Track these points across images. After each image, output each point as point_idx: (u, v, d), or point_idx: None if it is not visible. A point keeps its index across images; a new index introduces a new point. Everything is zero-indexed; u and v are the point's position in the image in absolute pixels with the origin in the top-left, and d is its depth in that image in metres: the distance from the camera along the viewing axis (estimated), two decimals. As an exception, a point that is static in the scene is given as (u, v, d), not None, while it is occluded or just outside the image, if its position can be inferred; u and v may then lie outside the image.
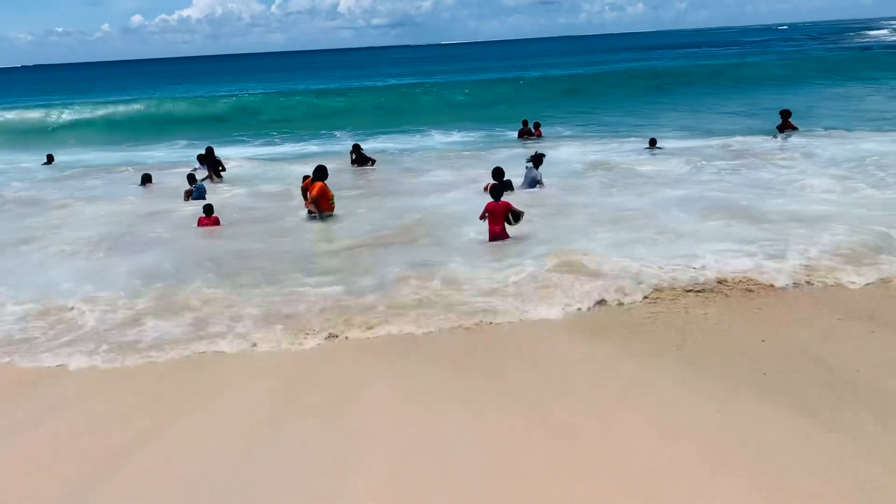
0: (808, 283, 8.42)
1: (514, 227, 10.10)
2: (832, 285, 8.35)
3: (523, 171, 14.23)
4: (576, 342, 7.14)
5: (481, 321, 7.71)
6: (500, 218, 9.93)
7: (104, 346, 7.54)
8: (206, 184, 16.44)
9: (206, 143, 19.61)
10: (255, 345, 7.46)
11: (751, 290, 8.30)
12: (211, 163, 17.61)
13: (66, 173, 21.04)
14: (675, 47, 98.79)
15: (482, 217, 10.14)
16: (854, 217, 10.81)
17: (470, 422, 5.67)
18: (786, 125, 20.80)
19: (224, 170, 18.04)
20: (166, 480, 5.15)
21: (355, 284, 9.03)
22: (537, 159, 14.06)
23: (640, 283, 8.43)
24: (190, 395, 6.45)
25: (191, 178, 15.91)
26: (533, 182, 14.01)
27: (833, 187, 13.40)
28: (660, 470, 4.83)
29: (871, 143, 18.24)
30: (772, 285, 8.38)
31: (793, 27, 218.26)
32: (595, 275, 8.73)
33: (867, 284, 8.31)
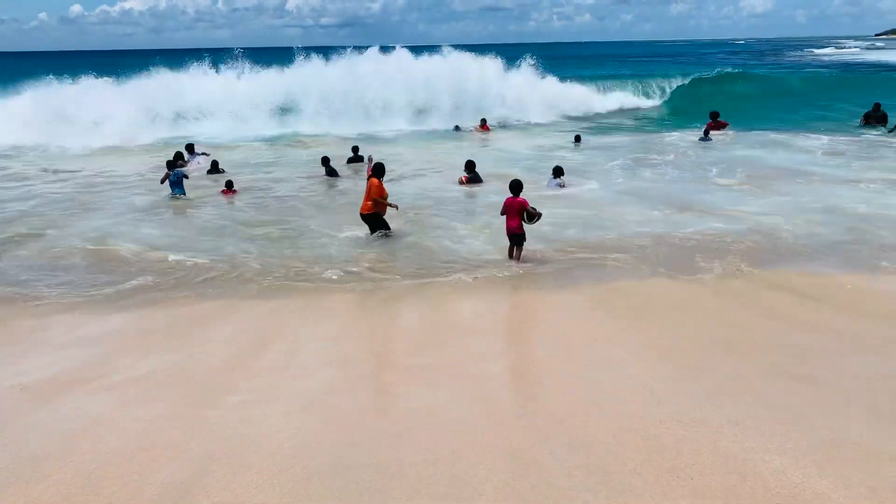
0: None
1: (529, 224, 10.72)
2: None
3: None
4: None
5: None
6: (514, 214, 10.54)
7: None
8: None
9: None
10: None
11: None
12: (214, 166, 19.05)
13: None
14: (651, 57, 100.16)
15: (502, 213, 10.83)
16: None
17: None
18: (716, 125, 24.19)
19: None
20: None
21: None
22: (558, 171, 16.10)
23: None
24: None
25: (170, 164, 16.46)
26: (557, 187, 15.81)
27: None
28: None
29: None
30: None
31: (748, 43, 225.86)
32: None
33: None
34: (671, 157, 20.34)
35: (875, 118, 25.66)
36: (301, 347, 7.76)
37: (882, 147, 21.48)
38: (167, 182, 15.93)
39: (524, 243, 10.77)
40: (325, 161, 18.64)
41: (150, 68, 31.57)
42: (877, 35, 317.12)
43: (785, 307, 8.65)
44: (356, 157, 20.22)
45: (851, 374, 6.75)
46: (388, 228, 12.35)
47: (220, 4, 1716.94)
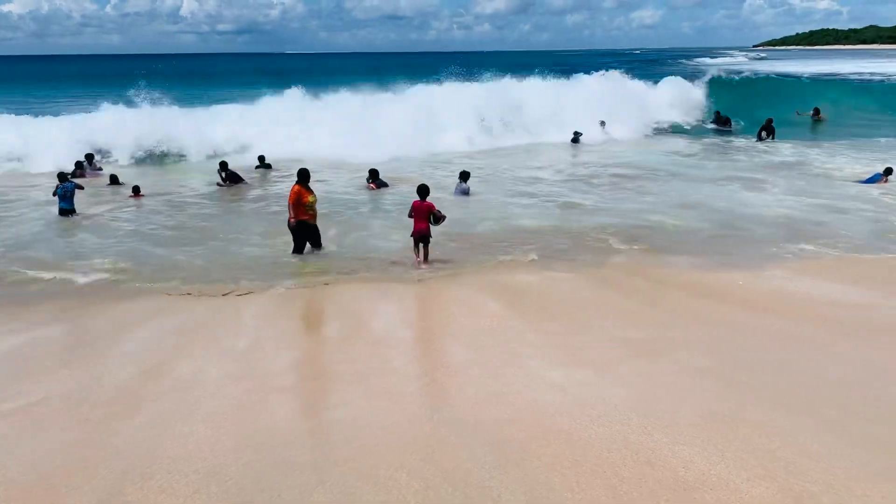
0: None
1: (435, 226, 11.24)
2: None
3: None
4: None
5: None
6: (422, 216, 11.03)
7: None
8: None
9: None
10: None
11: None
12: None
13: None
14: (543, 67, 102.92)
15: (410, 215, 11.22)
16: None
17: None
18: None
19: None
20: None
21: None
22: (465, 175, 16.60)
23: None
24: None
25: (62, 176, 15.53)
26: (462, 192, 16.33)
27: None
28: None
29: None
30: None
31: (644, 52, 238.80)
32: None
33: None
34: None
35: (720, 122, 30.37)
36: (211, 360, 7.53)
37: (730, 150, 24.47)
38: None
39: (430, 243, 11.17)
40: (223, 166, 18.44)
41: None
42: (755, 46, 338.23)
43: (686, 303, 9.12)
44: (263, 165, 20.80)
45: (751, 365, 7.18)
46: (313, 245, 11.69)
47: (108, 9, 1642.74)
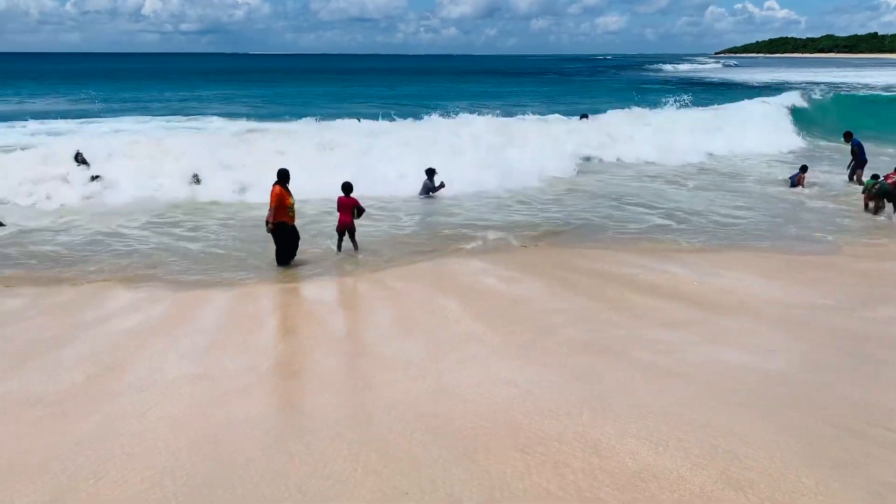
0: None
1: (357, 219, 12.20)
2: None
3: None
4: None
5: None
6: (347, 210, 11.98)
7: None
8: None
9: None
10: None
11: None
12: None
13: None
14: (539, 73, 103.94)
15: (337, 209, 12.15)
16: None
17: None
18: None
19: None
20: None
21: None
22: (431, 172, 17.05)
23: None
24: None
25: None
26: (427, 190, 16.89)
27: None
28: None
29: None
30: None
31: (616, 58, 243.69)
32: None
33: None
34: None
35: None
36: (164, 359, 7.53)
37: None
38: None
39: (354, 236, 12.11)
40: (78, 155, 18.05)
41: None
42: (716, 53, 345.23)
43: (628, 299, 9.38)
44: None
45: (700, 362, 7.43)
46: (291, 256, 11.31)
47: (68, 7, 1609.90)
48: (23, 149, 18.51)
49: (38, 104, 42.78)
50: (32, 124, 27.96)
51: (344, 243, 12.16)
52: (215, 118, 32.28)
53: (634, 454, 5.54)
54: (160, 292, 9.98)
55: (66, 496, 5.05)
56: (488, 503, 4.96)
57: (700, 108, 31.47)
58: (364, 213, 12.37)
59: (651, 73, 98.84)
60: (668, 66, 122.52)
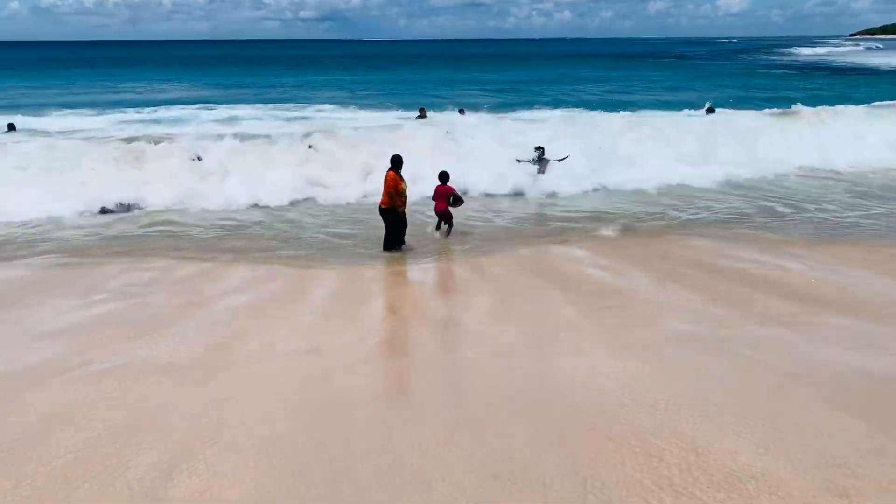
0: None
1: (455, 208, 12.57)
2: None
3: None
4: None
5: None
6: (442, 198, 12.37)
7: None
8: None
9: None
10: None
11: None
12: None
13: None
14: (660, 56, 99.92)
15: (433, 198, 12.52)
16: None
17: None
18: None
19: None
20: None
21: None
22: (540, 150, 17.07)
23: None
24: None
25: None
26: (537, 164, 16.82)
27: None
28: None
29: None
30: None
31: (741, 41, 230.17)
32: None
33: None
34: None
35: None
36: (276, 333, 7.96)
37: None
38: None
39: (451, 221, 12.47)
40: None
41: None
42: (851, 35, 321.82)
43: (735, 292, 9.05)
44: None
45: (810, 363, 7.11)
46: (400, 242, 11.56)
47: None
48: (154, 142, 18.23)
49: (166, 90, 45.38)
50: (160, 110, 29.84)
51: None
52: (327, 106, 33.05)
53: (733, 453, 5.41)
54: (275, 271, 10.54)
55: (184, 458, 5.47)
56: (579, 492, 4.99)
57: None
58: (462, 204, 12.59)
59: (782, 57, 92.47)
60: (802, 49, 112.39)
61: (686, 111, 26.52)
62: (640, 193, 16.09)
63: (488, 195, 15.87)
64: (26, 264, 11.01)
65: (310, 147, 17.64)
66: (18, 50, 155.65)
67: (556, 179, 16.40)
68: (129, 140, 18.29)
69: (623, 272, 10.26)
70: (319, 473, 5.26)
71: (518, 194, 16.09)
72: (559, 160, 16.71)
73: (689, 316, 8.46)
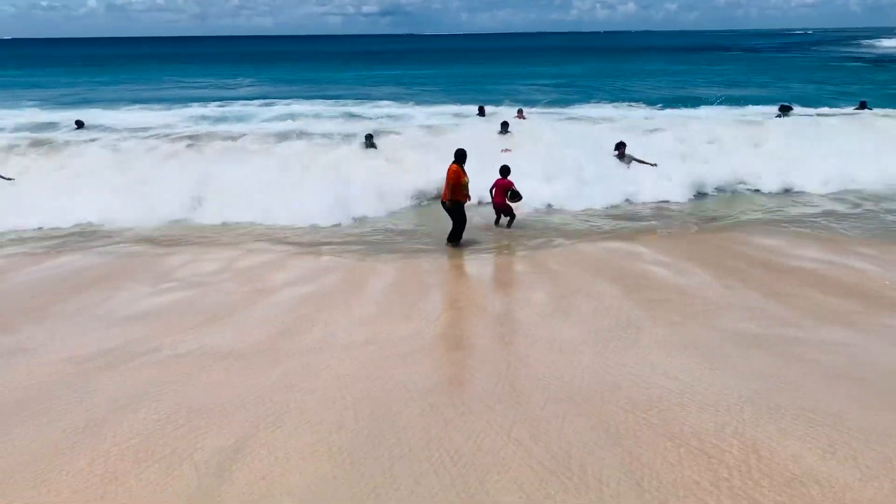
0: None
1: (512, 203, 12.68)
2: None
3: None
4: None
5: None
6: (500, 192, 12.58)
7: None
8: None
9: None
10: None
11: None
12: None
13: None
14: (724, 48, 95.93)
15: (491, 190, 12.76)
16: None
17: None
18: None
19: None
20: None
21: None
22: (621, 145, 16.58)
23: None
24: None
25: None
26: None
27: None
28: None
29: None
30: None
31: (816, 32, 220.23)
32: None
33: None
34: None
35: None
36: (336, 323, 8.13)
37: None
38: None
39: (512, 213, 12.69)
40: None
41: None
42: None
43: (800, 292, 8.79)
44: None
45: (879, 367, 6.89)
46: (460, 236, 11.60)
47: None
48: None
49: (231, 86, 46.40)
50: (228, 106, 30.56)
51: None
52: (387, 102, 33.17)
53: (797, 457, 5.29)
54: (335, 263, 10.75)
55: (248, 442, 5.66)
56: (635, 490, 4.97)
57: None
58: (520, 199, 12.63)
59: (861, 50, 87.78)
60: (882, 41, 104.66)
61: (751, 108, 25.65)
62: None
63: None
64: (99, 252, 11.49)
65: (370, 146, 17.77)
66: (94, 47, 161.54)
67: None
68: (192, 137, 18.90)
69: (685, 270, 10.09)
70: (376, 462, 5.36)
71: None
72: (645, 162, 15.89)
73: (751, 315, 8.28)
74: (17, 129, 22.27)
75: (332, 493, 5.02)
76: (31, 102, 31.80)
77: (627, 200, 14.68)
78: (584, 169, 15.45)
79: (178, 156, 17.21)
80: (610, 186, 15.01)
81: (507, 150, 16.28)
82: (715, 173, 16.01)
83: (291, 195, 14.00)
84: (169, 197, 14.02)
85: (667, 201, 14.62)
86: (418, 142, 18.22)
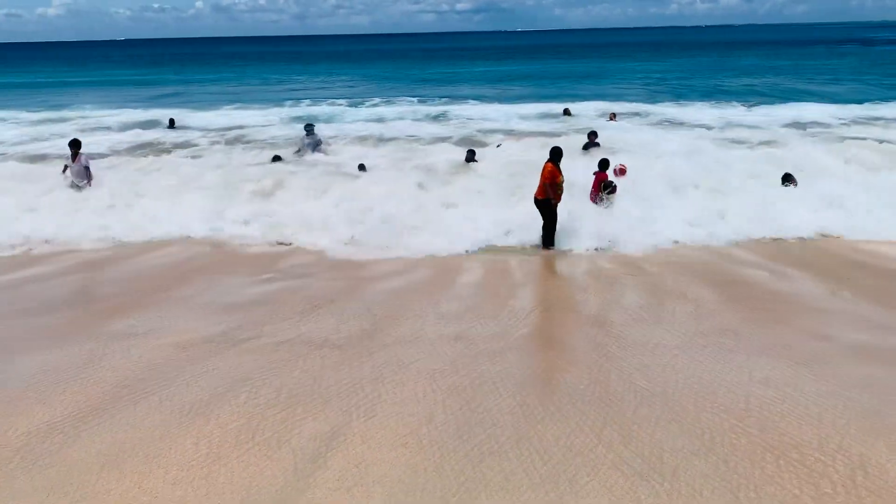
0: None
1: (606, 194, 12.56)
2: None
3: None
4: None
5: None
6: (595, 185, 12.69)
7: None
8: None
9: None
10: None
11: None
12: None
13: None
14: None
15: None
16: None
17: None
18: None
19: None
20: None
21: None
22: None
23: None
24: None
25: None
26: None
27: None
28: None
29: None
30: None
31: None
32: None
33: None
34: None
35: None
36: (425, 318, 8.25)
37: None
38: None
39: (614, 193, 12.51)
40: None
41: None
42: None
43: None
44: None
45: None
46: (552, 236, 11.39)
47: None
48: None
49: (325, 85, 47.55)
50: (319, 105, 31.25)
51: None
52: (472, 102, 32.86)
53: (906, 474, 5.00)
54: (425, 259, 10.88)
55: (343, 430, 5.84)
56: (730, 501, 4.83)
57: None
58: (614, 193, 12.44)
59: None
60: None
61: (853, 107, 24.10)
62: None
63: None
64: (200, 244, 12.08)
65: (471, 160, 17.41)
66: (199, 45, 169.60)
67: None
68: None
69: (788, 276, 9.69)
70: (466, 457, 5.43)
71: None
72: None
73: (860, 323, 7.87)
74: (123, 128, 23.65)
75: (421, 484, 5.12)
76: (134, 103, 32.87)
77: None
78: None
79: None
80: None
81: (499, 144, 17.48)
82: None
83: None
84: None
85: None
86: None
